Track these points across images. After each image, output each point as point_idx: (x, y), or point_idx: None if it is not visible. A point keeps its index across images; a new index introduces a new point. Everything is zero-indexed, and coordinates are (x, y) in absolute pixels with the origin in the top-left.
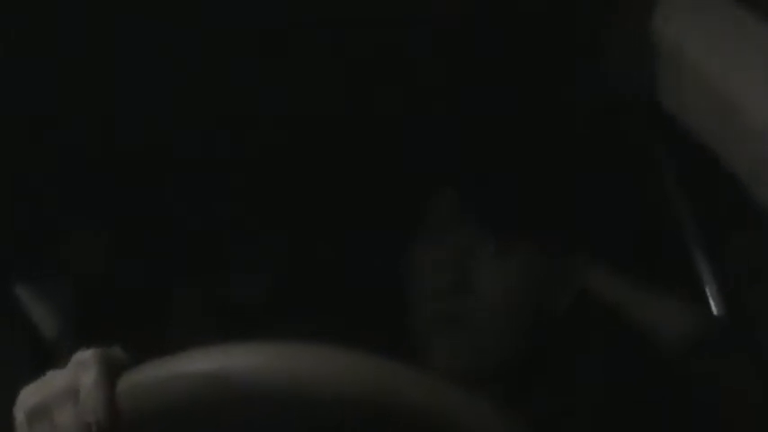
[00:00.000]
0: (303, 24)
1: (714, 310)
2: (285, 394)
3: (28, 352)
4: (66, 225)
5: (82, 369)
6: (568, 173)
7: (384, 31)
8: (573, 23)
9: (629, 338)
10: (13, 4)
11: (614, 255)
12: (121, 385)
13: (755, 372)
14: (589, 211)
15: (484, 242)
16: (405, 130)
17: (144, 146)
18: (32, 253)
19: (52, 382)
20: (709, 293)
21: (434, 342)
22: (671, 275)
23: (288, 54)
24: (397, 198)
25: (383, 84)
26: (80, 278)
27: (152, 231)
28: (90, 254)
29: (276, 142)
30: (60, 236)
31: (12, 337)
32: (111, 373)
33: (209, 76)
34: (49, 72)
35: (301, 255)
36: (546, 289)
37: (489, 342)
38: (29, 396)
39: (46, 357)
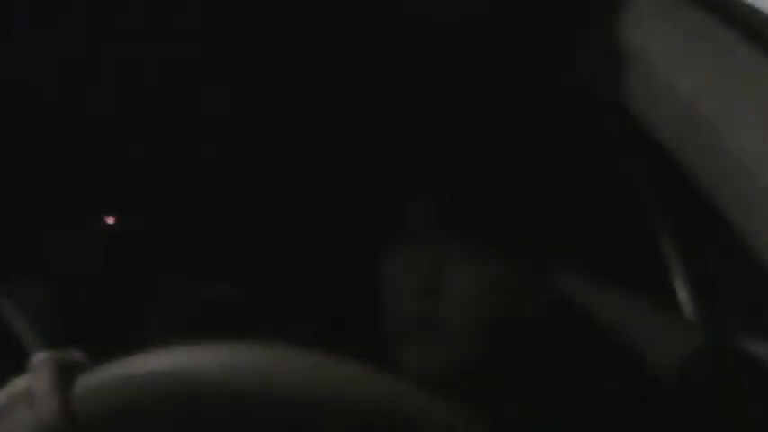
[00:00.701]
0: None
1: (688, 312)
2: (244, 393)
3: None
4: (47, 225)
5: (37, 372)
6: (544, 178)
7: (378, 30)
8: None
9: (602, 344)
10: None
11: (589, 259)
12: (78, 387)
13: (752, 383)
14: (564, 216)
15: (457, 247)
16: (383, 133)
17: (130, 147)
18: (12, 254)
19: (10, 386)
20: (682, 297)
21: (405, 345)
22: (646, 279)
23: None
24: (374, 201)
25: (367, 84)
26: (60, 279)
27: (133, 233)
28: (71, 255)
29: (258, 142)
30: (41, 237)
31: None
32: (67, 375)
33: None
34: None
35: (277, 256)
36: (519, 294)
37: (460, 346)
38: None
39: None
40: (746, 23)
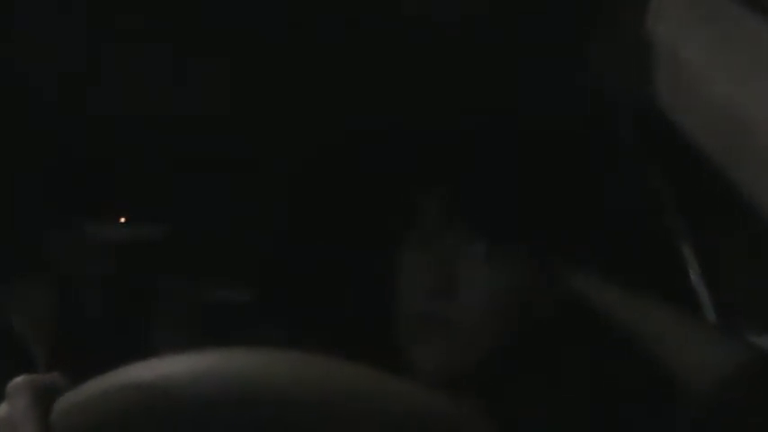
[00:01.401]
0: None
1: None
2: (220, 401)
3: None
4: (48, 226)
5: (14, 399)
6: (559, 176)
7: (383, 30)
8: (558, 24)
9: (616, 344)
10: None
11: (604, 257)
12: (57, 408)
13: None
14: (579, 214)
15: (472, 244)
16: (397, 129)
17: (135, 146)
18: (12, 254)
19: None
20: (700, 298)
21: (420, 343)
22: (662, 278)
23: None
24: (388, 199)
25: (379, 83)
26: (61, 280)
27: (134, 233)
28: (72, 255)
29: (260, 142)
30: (42, 237)
31: None
32: (44, 397)
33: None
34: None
35: (287, 255)
36: (533, 292)
37: (475, 344)
38: None
39: (27, 360)
40: None
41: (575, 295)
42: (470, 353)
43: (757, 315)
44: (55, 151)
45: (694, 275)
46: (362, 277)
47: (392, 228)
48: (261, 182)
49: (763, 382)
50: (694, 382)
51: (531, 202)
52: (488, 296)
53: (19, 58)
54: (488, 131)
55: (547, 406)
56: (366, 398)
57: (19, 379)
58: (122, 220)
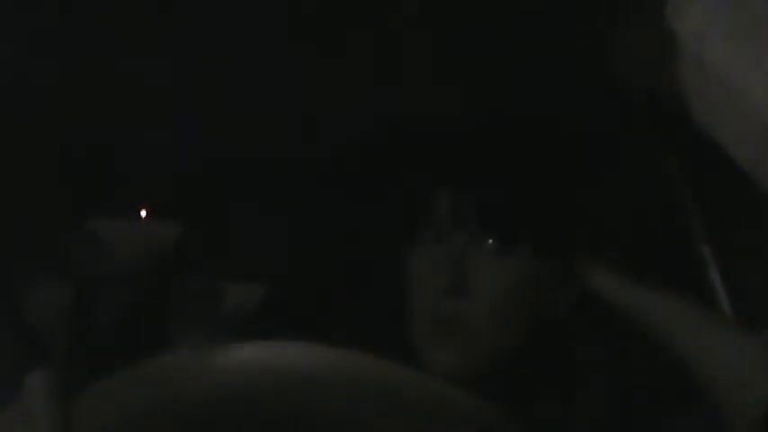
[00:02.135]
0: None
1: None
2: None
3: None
4: (64, 225)
5: (34, 394)
6: (570, 173)
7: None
8: (577, 20)
9: (632, 343)
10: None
11: (619, 256)
12: (77, 405)
13: None
14: (594, 212)
15: (483, 243)
16: (406, 128)
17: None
18: (28, 254)
19: (8, 410)
20: (719, 297)
21: (433, 343)
22: (677, 277)
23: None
24: (399, 199)
25: (385, 83)
26: (77, 280)
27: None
28: (88, 255)
29: (274, 141)
30: (58, 237)
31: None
32: (63, 394)
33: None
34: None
35: (299, 256)
36: (546, 290)
37: (488, 343)
38: None
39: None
40: None
41: (590, 293)
42: (484, 353)
43: None
44: (69, 152)
45: (712, 272)
46: (374, 278)
47: (403, 228)
48: (271, 181)
49: None
50: (724, 388)
51: (544, 200)
52: (501, 295)
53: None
54: (499, 129)
55: (562, 406)
56: (400, 393)
57: (38, 372)
58: (143, 213)
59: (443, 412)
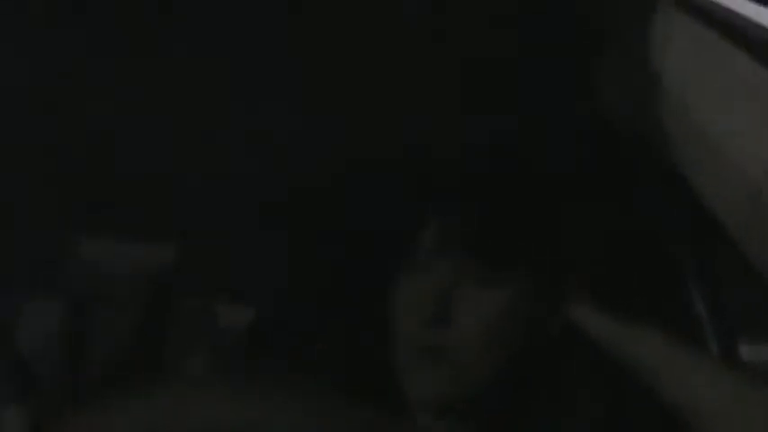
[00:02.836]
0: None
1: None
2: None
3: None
4: (63, 244)
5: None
6: (555, 203)
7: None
8: (564, 51)
9: (616, 373)
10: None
11: (602, 286)
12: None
13: None
14: (576, 242)
15: (468, 273)
16: (394, 160)
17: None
18: (27, 272)
19: None
20: (706, 329)
21: (417, 372)
22: (662, 306)
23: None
24: (384, 228)
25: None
26: (75, 299)
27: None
28: (86, 275)
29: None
30: (57, 255)
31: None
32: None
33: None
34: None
35: (288, 285)
36: (530, 321)
37: (472, 373)
38: None
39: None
40: None
41: (574, 324)
42: (468, 381)
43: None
44: (71, 171)
45: (693, 289)
46: (360, 306)
47: (388, 256)
48: (268, 205)
49: None
50: (706, 423)
51: (528, 229)
52: (485, 325)
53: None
54: (484, 158)
55: None
56: None
57: (12, 407)
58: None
59: None
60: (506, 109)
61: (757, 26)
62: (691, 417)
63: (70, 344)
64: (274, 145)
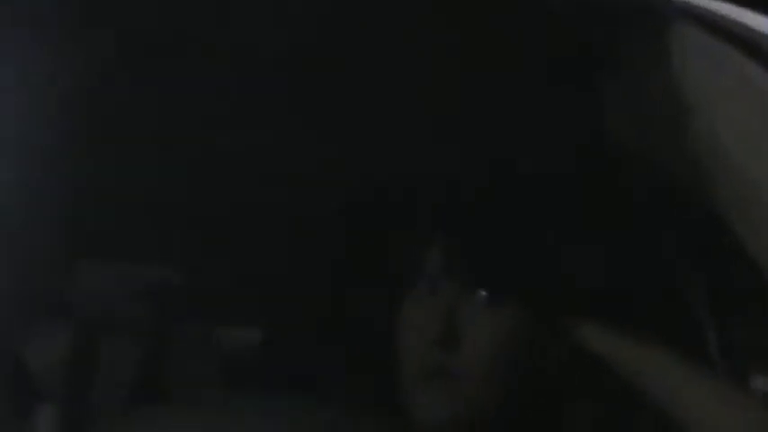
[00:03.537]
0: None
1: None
2: None
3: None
4: (71, 269)
5: None
6: (563, 227)
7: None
8: (573, 74)
9: (623, 398)
10: None
11: (611, 311)
12: None
13: None
14: (584, 267)
15: (475, 295)
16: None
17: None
18: (35, 297)
19: None
20: (711, 351)
21: (422, 394)
22: (670, 331)
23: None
24: (389, 250)
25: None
26: (82, 324)
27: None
28: (92, 300)
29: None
30: (64, 280)
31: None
32: None
33: None
34: None
35: (293, 305)
36: (537, 343)
37: (477, 395)
38: None
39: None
40: None
41: (581, 347)
42: (473, 404)
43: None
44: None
45: (702, 317)
46: (366, 328)
47: (394, 279)
48: (276, 227)
49: None
50: None
51: (535, 251)
52: (491, 347)
53: None
54: (491, 179)
55: None
56: None
57: None
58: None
59: None
60: (510, 132)
61: None
62: None
63: (75, 369)
64: (278, 169)
